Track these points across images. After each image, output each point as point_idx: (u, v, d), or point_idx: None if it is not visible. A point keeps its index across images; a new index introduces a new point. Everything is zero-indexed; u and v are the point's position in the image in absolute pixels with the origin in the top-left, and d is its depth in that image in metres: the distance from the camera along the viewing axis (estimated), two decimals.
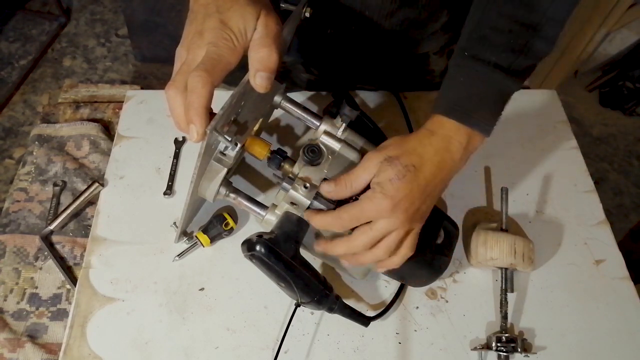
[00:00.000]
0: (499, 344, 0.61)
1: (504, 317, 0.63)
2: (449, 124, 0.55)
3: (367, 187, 0.55)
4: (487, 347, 0.62)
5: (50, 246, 0.73)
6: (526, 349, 0.62)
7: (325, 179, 0.58)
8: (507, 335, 0.62)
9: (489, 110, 0.56)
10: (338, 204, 0.57)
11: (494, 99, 0.56)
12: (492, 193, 0.76)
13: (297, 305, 0.58)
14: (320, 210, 0.57)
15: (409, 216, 0.54)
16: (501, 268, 0.65)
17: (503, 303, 0.64)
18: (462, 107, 0.55)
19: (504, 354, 0.61)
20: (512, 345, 0.61)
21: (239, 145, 0.55)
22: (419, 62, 0.86)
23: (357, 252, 0.56)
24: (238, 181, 0.75)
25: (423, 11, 0.72)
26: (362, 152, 0.61)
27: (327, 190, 0.57)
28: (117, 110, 0.88)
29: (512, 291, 0.65)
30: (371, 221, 0.54)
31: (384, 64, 0.85)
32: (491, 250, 0.64)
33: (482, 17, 0.57)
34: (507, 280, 0.65)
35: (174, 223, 0.69)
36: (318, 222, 0.56)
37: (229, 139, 0.50)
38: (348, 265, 0.60)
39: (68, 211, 0.74)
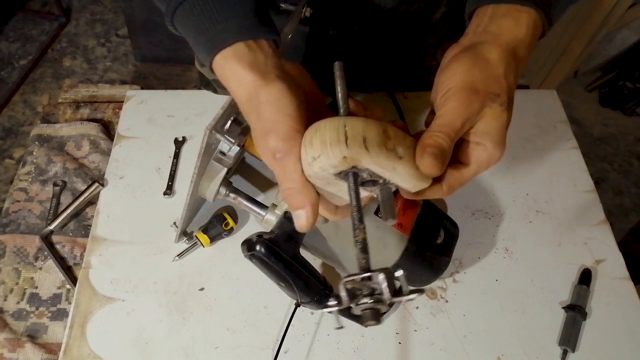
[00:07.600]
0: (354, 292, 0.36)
1: (362, 250, 0.37)
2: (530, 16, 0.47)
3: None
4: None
5: (50, 246, 0.73)
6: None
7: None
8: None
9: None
10: None
11: None
12: (493, 193, 0.76)
13: (297, 305, 0.58)
14: (429, 187, 0.44)
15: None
16: (347, 173, 0.38)
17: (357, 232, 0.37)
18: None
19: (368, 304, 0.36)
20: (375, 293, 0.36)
21: (239, 145, 0.55)
22: (420, 56, 0.86)
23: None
24: (238, 181, 0.75)
25: (422, 2, 0.73)
26: None
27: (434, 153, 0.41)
28: (117, 110, 0.88)
29: (391, 218, 0.39)
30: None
31: (386, 61, 0.85)
32: (310, 146, 0.36)
33: None
34: (379, 205, 0.40)
35: (174, 223, 0.69)
36: (429, 196, 0.46)
37: (230, 139, 0.51)
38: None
39: (68, 211, 0.74)
